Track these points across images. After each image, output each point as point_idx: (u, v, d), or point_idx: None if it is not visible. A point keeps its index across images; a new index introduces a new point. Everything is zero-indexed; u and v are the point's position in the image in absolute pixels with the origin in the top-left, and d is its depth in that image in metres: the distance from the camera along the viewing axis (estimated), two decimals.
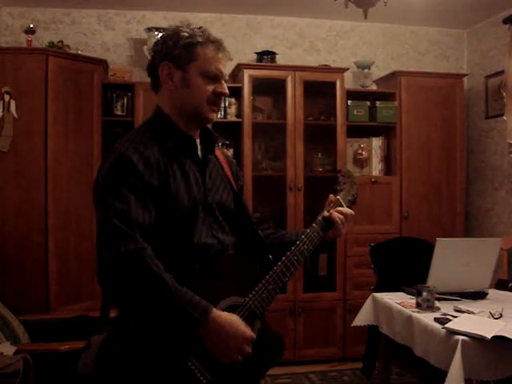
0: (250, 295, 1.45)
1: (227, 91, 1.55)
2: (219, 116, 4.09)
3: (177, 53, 1.48)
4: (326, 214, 1.62)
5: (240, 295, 1.45)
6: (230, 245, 1.55)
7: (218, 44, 1.52)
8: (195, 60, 1.48)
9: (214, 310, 1.35)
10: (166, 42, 1.51)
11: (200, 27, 1.53)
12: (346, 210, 1.65)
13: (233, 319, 1.38)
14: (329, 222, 1.63)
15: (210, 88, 1.50)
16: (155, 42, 1.55)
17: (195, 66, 1.48)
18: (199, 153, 1.56)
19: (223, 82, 1.53)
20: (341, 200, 1.67)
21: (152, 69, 1.54)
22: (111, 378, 1.31)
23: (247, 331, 1.39)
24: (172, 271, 1.37)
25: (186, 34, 1.49)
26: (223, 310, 1.41)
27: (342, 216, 1.63)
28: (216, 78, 1.51)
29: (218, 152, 1.67)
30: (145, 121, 1.57)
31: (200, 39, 1.49)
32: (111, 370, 1.31)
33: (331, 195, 1.68)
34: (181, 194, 1.44)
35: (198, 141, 1.58)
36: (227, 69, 1.59)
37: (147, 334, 1.33)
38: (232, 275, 1.47)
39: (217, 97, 1.52)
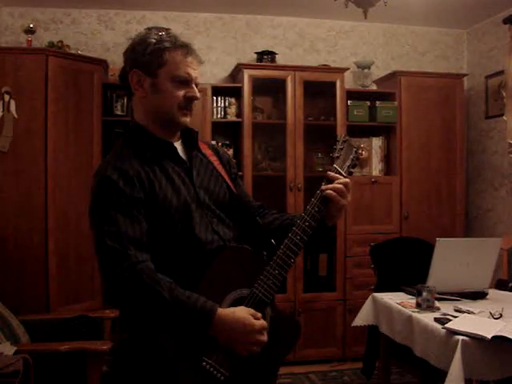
0: (256, 284, 1.45)
1: (198, 95, 1.53)
2: (219, 116, 4.09)
3: (145, 60, 1.48)
4: (320, 190, 1.52)
5: (247, 286, 1.46)
6: (231, 238, 1.55)
7: (186, 48, 1.50)
8: (164, 66, 1.48)
9: (219, 310, 1.36)
10: (134, 49, 1.51)
11: (168, 31, 1.52)
12: (339, 180, 1.51)
13: (238, 314, 1.38)
14: (326, 198, 1.52)
15: (181, 93, 1.49)
16: (125, 50, 1.55)
17: (164, 71, 1.48)
18: (181, 154, 1.56)
19: (193, 85, 1.52)
20: (338, 168, 1.55)
21: (123, 77, 1.54)
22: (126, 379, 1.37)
23: (256, 322, 1.39)
24: (179, 271, 1.40)
25: (154, 40, 1.48)
26: (231, 304, 1.42)
27: (337, 187, 1.50)
28: (186, 82, 1.50)
29: (203, 146, 1.66)
30: (119, 141, 1.57)
31: (168, 44, 1.48)
32: (125, 373, 1.37)
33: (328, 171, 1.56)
34: (169, 198, 1.45)
35: (179, 142, 1.59)
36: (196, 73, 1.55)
37: (159, 340, 1.36)
38: (236, 267, 1.47)
39: (188, 101, 1.51)
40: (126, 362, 1.41)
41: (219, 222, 1.54)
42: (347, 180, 1.52)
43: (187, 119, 1.54)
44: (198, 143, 1.63)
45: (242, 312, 1.40)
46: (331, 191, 1.49)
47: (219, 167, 1.64)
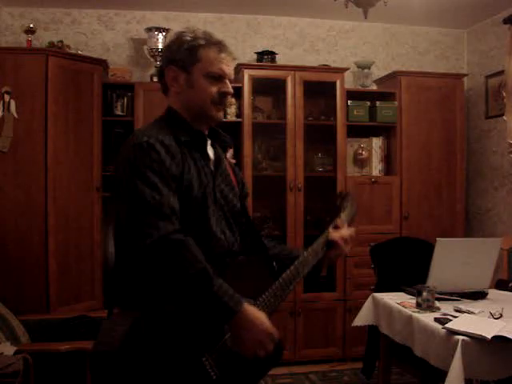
0: (261, 299, 1.49)
1: (231, 90, 1.59)
2: None
3: (180, 56, 1.54)
4: (327, 233, 1.66)
5: (252, 297, 1.49)
6: (235, 244, 1.58)
7: (220, 45, 1.57)
8: (198, 62, 1.54)
9: (245, 303, 1.40)
10: (170, 47, 1.58)
11: (203, 31, 1.59)
12: (346, 230, 1.68)
13: (261, 315, 1.42)
14: (331, 242, 1.66)
15: (215, 88, 1.55)
16: (162, 50, 1.61)
17: (198, 67, 1.54)
18: (209, 152, 1.61)
19: (227, 81, 1.57)
20: (344, 218, 1.71)
21: (160, 75, 1.62)
22: (136, 357, 1.34)
23: (273, 328, 1.43)
24: None
25: (189, 38, 1.55)
26: None
27: (344, 235, 1.65)
28: (219, 78, 1.56)
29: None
30: (157, 118, 1.62)
31: (202, 42, 1.55)
32: (137, 351, 1.34)
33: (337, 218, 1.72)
34: (192, 184, 1.49)
35: (208, 140, 1.64)
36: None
37: (173, 322, 1.37)
38: (247, 277, 1.52)
39: (222, 96, 1.57)
40: (140, 344, 1.35)
41: (226, 225, 1.58)
42: (353, 230, 1.66)
43: (221, 114, 1.60)
44: (227, 147, 1.72)
45: (264, 314, 1.44)
46: (338, 237, 1.63)
47: (234, 180, 1.69)
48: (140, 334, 1.35)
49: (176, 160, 1.45)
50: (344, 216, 1.72)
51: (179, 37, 1.57)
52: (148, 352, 1.34)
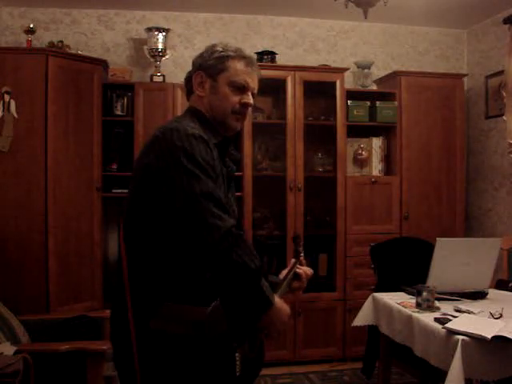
0: None
1: (251, 102, 1.66)
2: None
3: (209, 64, 1.62)
4: (298, 270, 1.74)
5: None
6: None
7: (248, 59, 1.65)
8: (225, 71, 1.61)
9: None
10: (202, 55, 1.67)
11: (236, 47, 1.67)
12: (308, 269, 1.78)
13: (283, 303, 1.56)
14: (297, 276, 1.75)
15: (236, 98, 1.62)
16: (195, 57, 1.69)
17: (224, 76, 1.62)
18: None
19: (249, 93, 1.65)
20: (303, 261, 1.80)
21: (188, 80, 1.69)
22: (207, 342, 1.42)
23: (288, 307, 1.57)
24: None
25: (220, 49, 1.64)
26: None
27: (308, 273, 1.77)
28: (243, 88, 1.63)
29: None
30: (185, 113, 1.65)
31: (232, 53, 1.63)
32: (210, 336, 1.42)
33: (293, 259, 1.79)
34: (220, 187, 1.52)
35: None
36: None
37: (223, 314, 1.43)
38: None
39: (242, 107, 1.64)
40: (212, 331, 1.43)
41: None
42: (312, 272, 1.78)
43: (239, 124, 1.66)
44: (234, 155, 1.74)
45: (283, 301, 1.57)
46: (303, 272, 1.74)
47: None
48: (214, 323, 1.42)
49: (216, 161, 1.50)
50: (303, 256, 1.83)
51: (212, 47, 1.66)
52: (216, 340, 1.42)
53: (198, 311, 1.40)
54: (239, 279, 1.40)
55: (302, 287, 1.76)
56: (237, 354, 1.44)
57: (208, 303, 1.40)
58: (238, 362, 1.44)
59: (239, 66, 1.62)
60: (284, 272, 1.73)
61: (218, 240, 1.37)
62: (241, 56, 1.64)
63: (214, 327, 1.41)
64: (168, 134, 1.45)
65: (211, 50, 1.65)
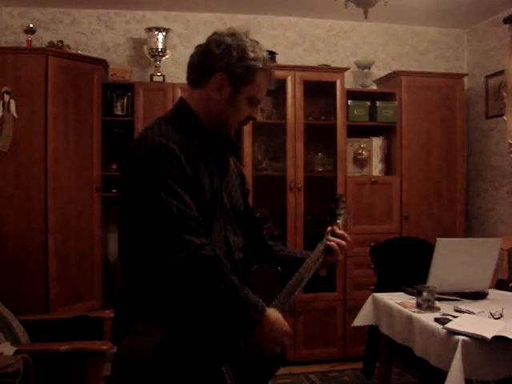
0: (273, 303, 1.50)
1: (257, 118, 1.60)
2: None
3: (238, 71, 1.47)
4: (326, 240, 1.69)
5: (266, 303, 1.49)
6: (238, 248, 1.57)
7: (270, 72, 1.53)
8: (251, 84, 1.49)
9: (268, 309, 1.42)
10: (230, 52, 1.47)
11: (262, 49, 1.53)
12: (342, 239, 1.72)
13: (280, 317, 1.46)
14: (329, 248, 1.69)
15: (247, 112, 1.53)
16: (217, 43, 1.48)
17: (247, 90, 1.49)
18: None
19: (258, 107, 1.57)
20: (341, 225, 1.76)
21: (203, 67, 1.50)
22: (167, 368, 1.32)
23: (288, 326, 1.47)
24: None
25: (252, 55, 1.47)
26: None
27: (341, 243, 1.70)
28: (256, 104, 1.54)
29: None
30: (169, 112, 1.56)
31: (261, 65, 1.49)
32: (169, 362, 1.32)
33: (328, 228, 1.75)
34: (206, 191, 1.45)
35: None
36: None
37: (198, 334, 1.35)
38: (262, 283, 1.53)
39: (248, 120, 1.57)
40: (172, 356, 1.33)
41: (232, 229, 1.57)
42: (349, 240, 1.72)
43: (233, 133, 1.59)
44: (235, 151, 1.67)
45: (281, 315, 1.47)
46: (336, 244, 1.68)
47: (238, 179, 1.67)
48: (172, 347, 1.33)
49: (194, 166, 1.40)
50: (340, 222, 1.77)
51: (242, 47, 1.47)
52: (178, 364, 1.32)
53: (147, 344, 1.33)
54: (207, 300, 1.33)
55: (337, 260, 1.70)
56: (223, 368, 1.36)
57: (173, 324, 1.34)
58: (226, 374, 1.37)
59: (263, 80, 1.51)
60: (319, 246, 1.67)
61: (177, 265, 1.30)
62: (267, 67, 1.51)
63: (172, 354, 1.32)
64: (134, 147, 1.42)
65: (242, 53, 1.46)
